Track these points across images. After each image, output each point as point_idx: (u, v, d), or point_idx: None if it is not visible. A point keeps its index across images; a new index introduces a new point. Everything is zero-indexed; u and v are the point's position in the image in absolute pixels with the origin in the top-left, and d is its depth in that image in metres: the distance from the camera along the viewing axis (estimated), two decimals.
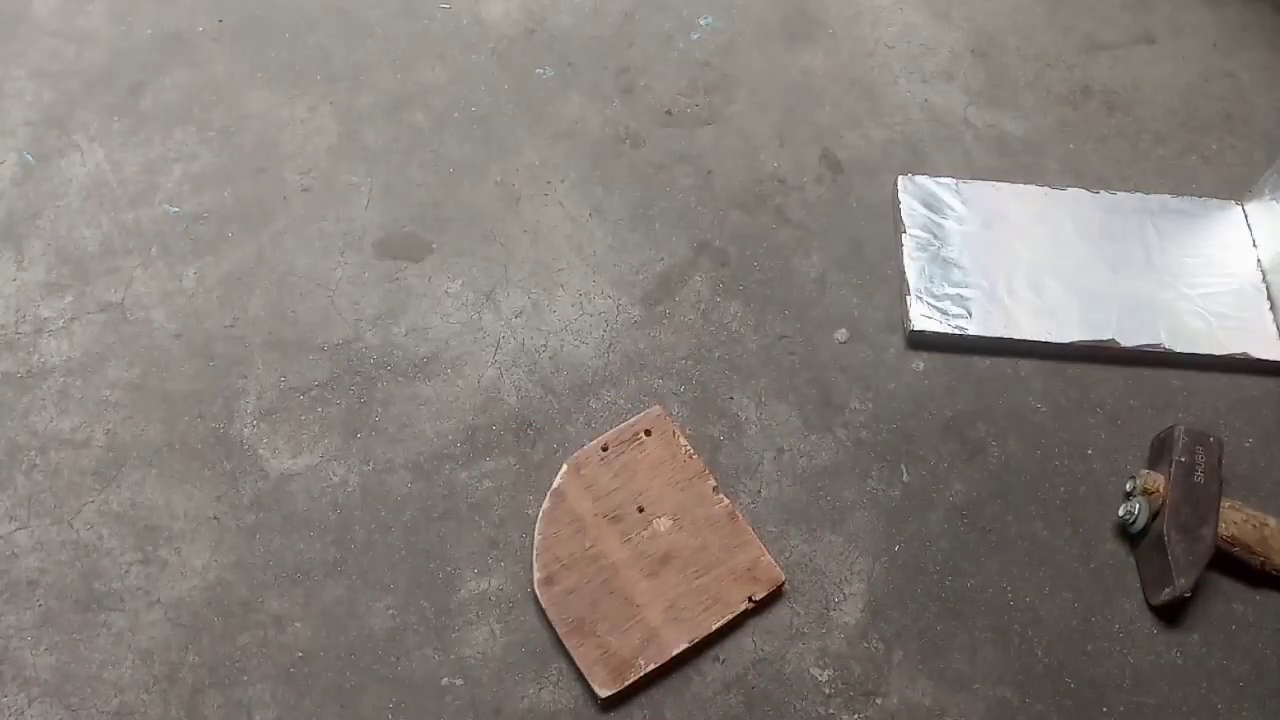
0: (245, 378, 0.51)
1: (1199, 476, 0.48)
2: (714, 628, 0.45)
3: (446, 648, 0.45)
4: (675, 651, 0.44)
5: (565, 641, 0.44)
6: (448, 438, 0.50)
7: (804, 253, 0.57)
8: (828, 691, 0.45)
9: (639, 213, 0.58)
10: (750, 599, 0.46)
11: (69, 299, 0.53)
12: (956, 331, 0.54)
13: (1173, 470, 0.48)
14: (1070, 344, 0.54)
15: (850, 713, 0.45)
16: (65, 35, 0.63)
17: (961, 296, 0.55)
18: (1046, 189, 0.59)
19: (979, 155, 0.62)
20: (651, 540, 0.47)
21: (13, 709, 0.43)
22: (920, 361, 0.54)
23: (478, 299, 0.55)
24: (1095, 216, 0.58)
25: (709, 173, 0.60)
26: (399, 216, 0.57)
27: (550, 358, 0.53)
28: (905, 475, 0.51)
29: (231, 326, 0.53)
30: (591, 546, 0.46)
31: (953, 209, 0.58)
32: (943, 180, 0.59)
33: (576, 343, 0.54)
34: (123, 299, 0.54)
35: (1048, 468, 0.51)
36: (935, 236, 0.57)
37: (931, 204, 0.58)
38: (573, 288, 0.55)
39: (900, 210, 0.58)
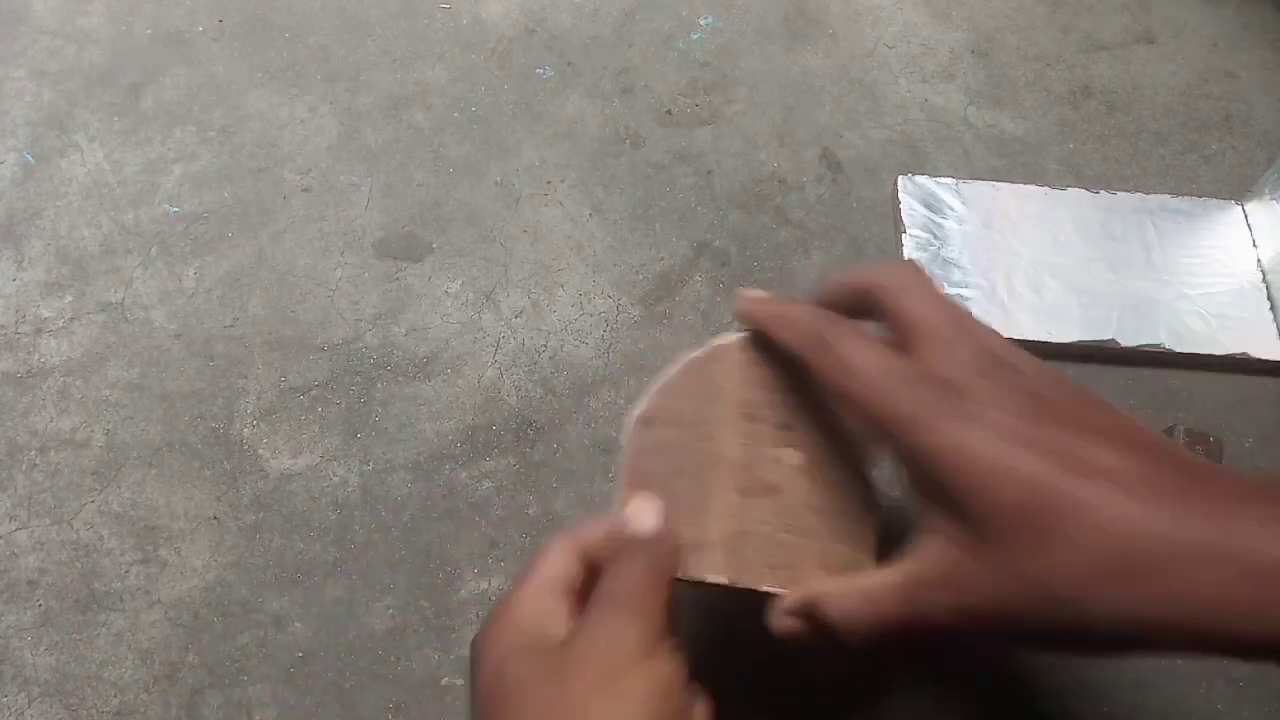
0: (245, 378, 0.51)
1: None
2: (760, 587, 0.37)
3: (447, 648, 0.45)
4: (707, 578, 0.36)
5: (624, 491, 0.36)
6: (448, 438, 0.50)
7: (804, 253, 0.57)
8: (828, 692, 0.45)
9: (639, 212, 0.58)
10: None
11: (69, 299, 0.53)
12: None
13: None
14: (1070, 344, 0.54)
15: (851, 713, 0.44)
16: (65, 35, 0.63)
17: (961, 297, 0.55)
18: (1046, 189, 0.59)
19: (979, 155, 0.62)
20: (771, 464, 0.38)
21: (13, 709, 0.43)
22: None
23: (477, 299, 0.55)
24: (1095, 216, 0.58)
25: (709, 172, 0.60)
26: (399, 216, 0.57)
27: (550, 358, 0.53)
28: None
29: (231, 326, 0.53)
30: (711, 424, 0.38)
31: (953, 209, 0.58)
32: (943, 180, 0.59)
33: (576, 343, 0.54)
34: (123, 299, 0.54)
35: None
36: (935, 236, 0.57)
37: (931, 204, 0.58)
38: (573, 288, 0.55)
39: (900, 210, 0.58)
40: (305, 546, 0.47)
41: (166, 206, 0.57)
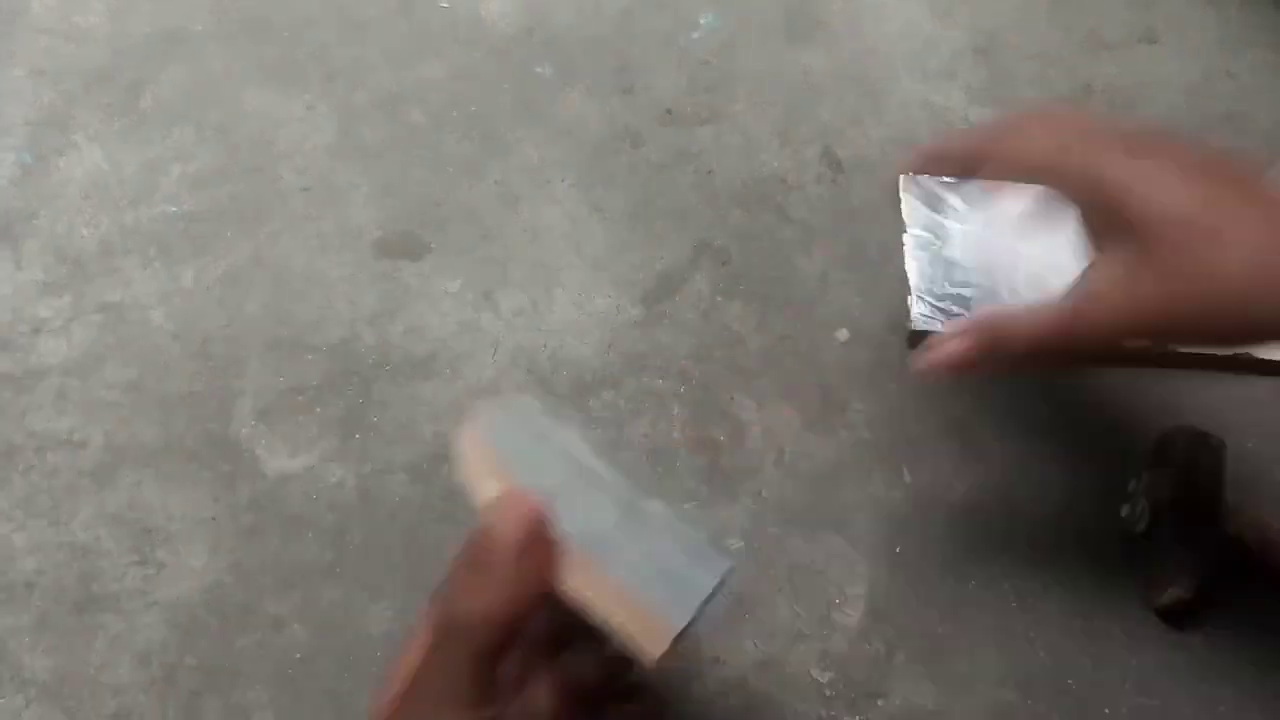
0: (242, 378, 0.51)
1: (1201, 477, 0.48)
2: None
3: None
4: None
5: (608, 617, 0.34)
6: (446, 439, 0.50)
7: (805, 252, 0.57)
8: (829, 694, 0.45)
9: (639, 212, 0.58)
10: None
11: (67, 299, 0.53)
12: None
13: (1175, 471, 0.48)
14: None
15: (851, 714, 0.44)
16: (63, 34, 0.63)
17: (963, 296, 0.55)
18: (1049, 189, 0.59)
19: None
20: None
21: (10, 711, 0.43)
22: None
23: (476, 299, 0.55)
24: None
25: (709, 172, 0.60)
26: (397, 215, 0.57)
27: (550, 358, 0.53)
28: (907, 476, 0.50)
29: (229, 326, 0.53)
30: None
31: (954, 208, 0.58)
32: (945, 180, 0.59)
33: (576, 343, 0.53)
34: (121, 299, 0.53)
35: (1048, 468, 0.51)
36: (937, 236, 0.57)
37: (933, 203, 0.58)
38: (572, 287, 0.55)
39: (902, 209, 0.57)
40: (303, 548, 0.47)
41: (165, 206, 0.56)
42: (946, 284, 0.55)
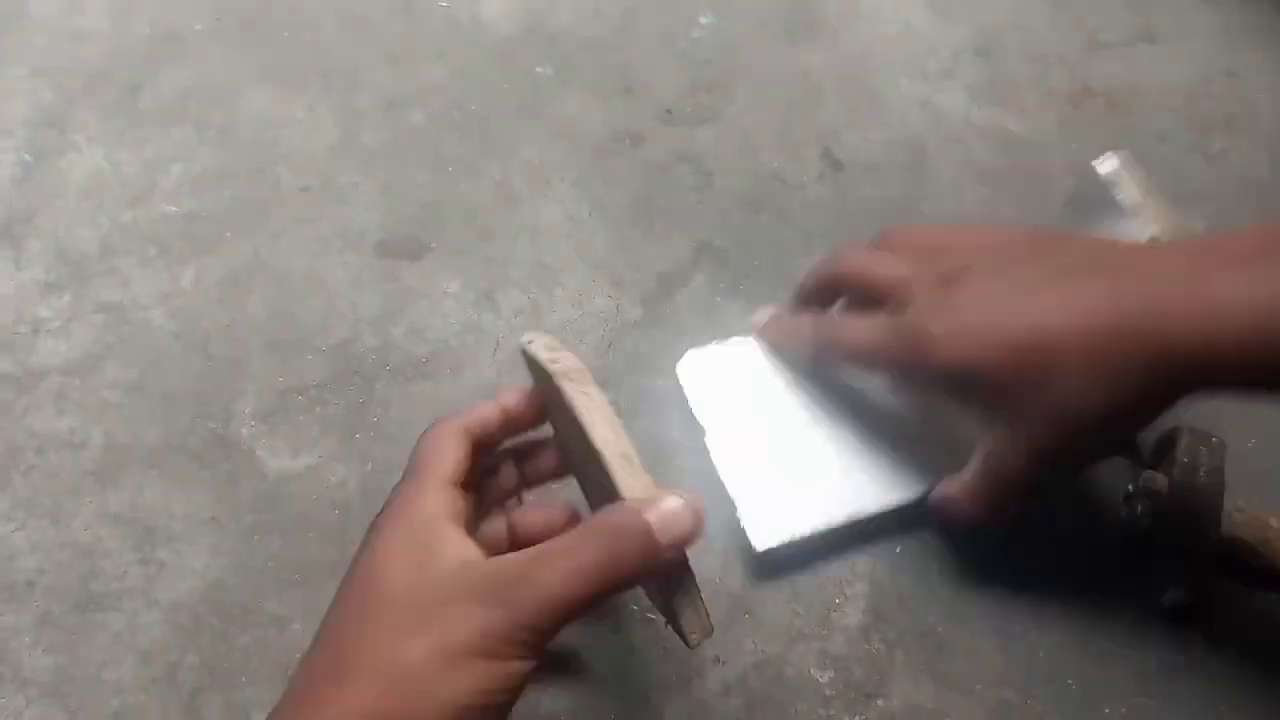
0: (244, 378, 0.51)
1: (1201, 477, 0.48)
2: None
3: None
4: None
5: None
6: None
7: (805, 252, 0.57)
8: (829, 693, 0.45)
9: (639, 212, 0.58)
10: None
11: (67, 299, 0.53)
12: None
13: (1175, 471, 0.48)
14: None
15: (851, 714, 0.44)
16: (63, 34, 0.63)
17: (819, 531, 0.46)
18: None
19: (981, 154, 0.62)
20: None
21: (11, 710, 0.43)
22: None
23: (477, 299, 0.55)
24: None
25: (709, 172, 0.60)
26: (398, 216, 0.57)
27: None
28: None
29: (230, 326, 0.53)
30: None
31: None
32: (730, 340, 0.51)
33: (576, 342, 0.53)
34: (121, 299, 0.53)
35: None
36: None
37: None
38: (572, 287, 0.55)
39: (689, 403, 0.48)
40: (304, 548, 0.47)
41: (165, 206, 0.57)
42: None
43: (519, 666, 0.30)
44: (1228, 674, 0.46)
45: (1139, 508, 0.48)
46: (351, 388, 0.51)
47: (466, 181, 0.59)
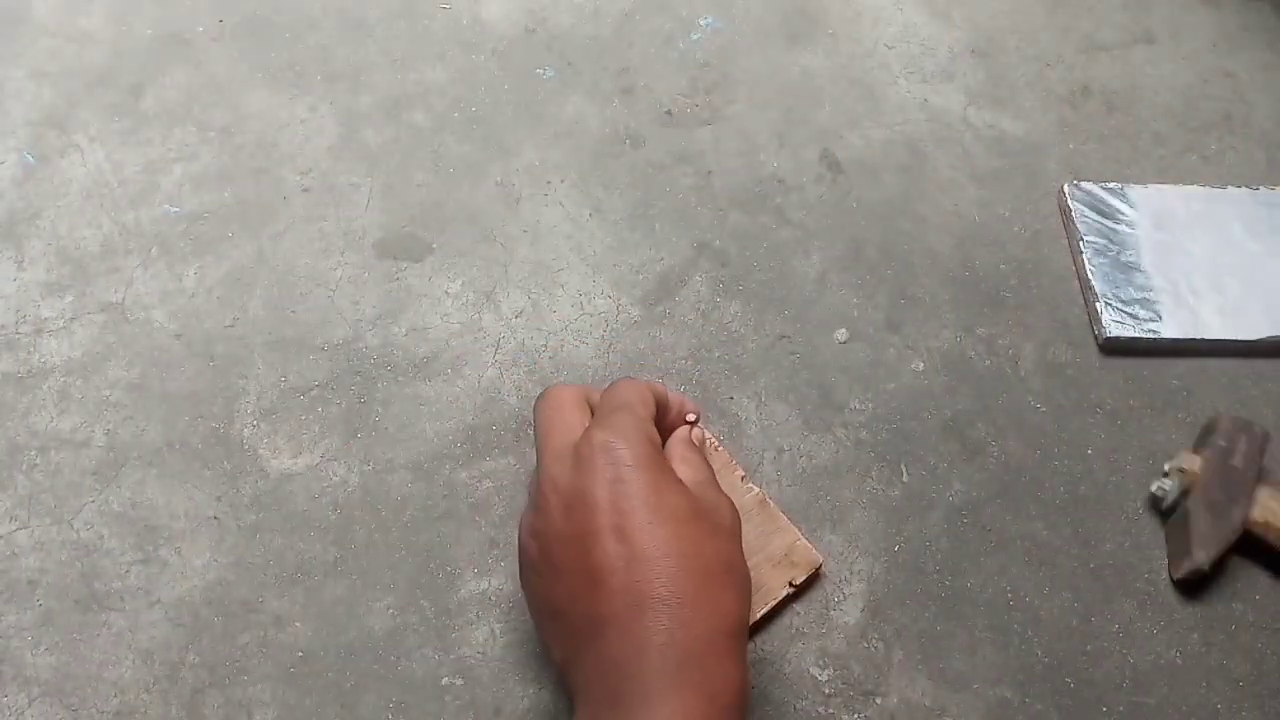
0: (245, 378, 0.51)
1: (1237, 460, 0.49)
2: (758, 616, 0.45)
3: (447, 647, 0.45)
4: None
5: None
6: (448, 437, 0.50)
7: (804, 253, 0.57)
8: (827, 691, 0.45)
9: (639, 213, 0.58)
10: (791, 584, 0.46)
11: (69, 299, 0.53)
12: (1150, 335, 0.54)
13: (1211, 452, 0.49)
14: (1259, 340, 0.54)
15: (850, 713, 0.45)
16: (65, 35, 0.63)
17: (1149, 300, 0.55)
18: (1208, 188, 0.60)
19: (978, 155, 0.62)
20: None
21: (13, 709, 0.43)
22: (920, 362, 0.54)
23: (478, 299, 0.55)
24: (1260, 213, 0.59)
25: (709, 173, 0.60)
26: (399, 216, 0.57)
27: (550, 358, 0.53)
28: (905, 475, 0.51)
29: (231, 326, 0.53)
30: None
31: (1123, 213, 0.58)
32: (1109, 185, 0.59)
33: (576, 343, 0.54)
34: (123, 299, 0.54)
35: (1048, 468, 0.51)
36: (1112, 242, 0.57)
37: (1102, 209, 0.58)
38: (573, 288, 0.55)
39: (1072, 217, 0.58)
40: (305, 546, 0.47)
41: (167, 206, 0.57)
42: (1130, 288, 0.56)
43: None
44: (1226, 674, 0.46)
45: (1169, 484, 0.49)
46: (353, 387, 0.52)
47: (467, 182, 0.59)
